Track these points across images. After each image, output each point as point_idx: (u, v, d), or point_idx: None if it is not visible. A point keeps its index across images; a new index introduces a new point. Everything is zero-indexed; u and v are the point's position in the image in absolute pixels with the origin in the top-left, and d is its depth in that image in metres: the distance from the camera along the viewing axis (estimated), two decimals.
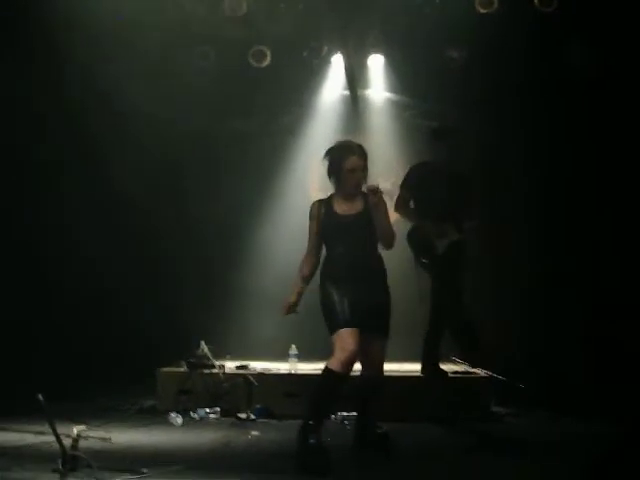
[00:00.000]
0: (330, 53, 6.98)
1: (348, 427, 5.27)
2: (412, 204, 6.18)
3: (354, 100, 7.30)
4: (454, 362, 6.43)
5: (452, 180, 6.04)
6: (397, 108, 7.34)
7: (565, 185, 6.78)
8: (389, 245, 4.67)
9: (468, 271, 6.13)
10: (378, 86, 7.27)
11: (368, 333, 4.43)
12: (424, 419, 5.51)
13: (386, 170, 7.49)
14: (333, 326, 4.46)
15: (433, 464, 4.37)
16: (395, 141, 7.41)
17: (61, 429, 3.91)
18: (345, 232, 4.62)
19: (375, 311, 4.52)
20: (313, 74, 7.13)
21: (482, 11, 6.03)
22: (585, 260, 6.75)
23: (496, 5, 5.98)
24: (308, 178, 7.49)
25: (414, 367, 6.15)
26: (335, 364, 4.35)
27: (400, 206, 6.12)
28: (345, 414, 5.52)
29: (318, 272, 4.68)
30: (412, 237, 6.11)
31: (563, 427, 5.39)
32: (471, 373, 6.08)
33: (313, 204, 4.76)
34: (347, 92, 7.24)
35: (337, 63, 7.10)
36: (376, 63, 7.08)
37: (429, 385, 5.79)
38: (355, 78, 7.18)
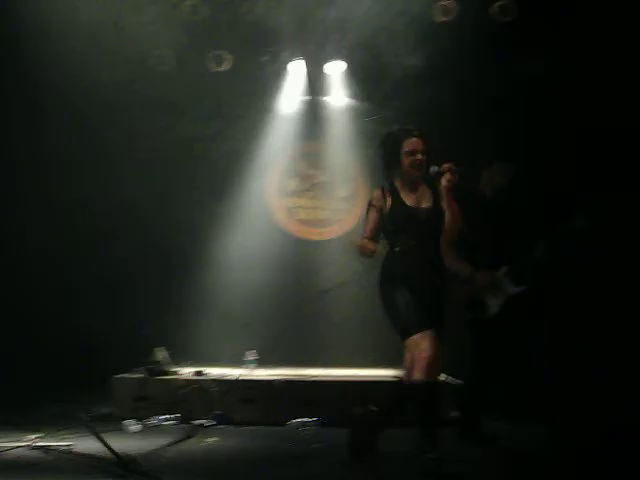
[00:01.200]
0: (290, 58, 6.96)
1: (304, 433, 5.29)
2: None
3: (313, 106, 7.32)
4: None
5: (503, 212, 5.06)
6: (357, 115, 7.36)
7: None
8: (454, 237, 4.38)
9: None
10: (338, 92, 7.27)
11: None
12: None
13: (345, 177, 7.54)
14: (403, 332, 4.20)
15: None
16: (354, 148, 7.42)
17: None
18: (417, 226, 4.30)
19: (439, 312, 4.27)
20: (272, 79, 7.12)
21: (441, 19, 6.07)
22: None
23: (455, 14, 6.03)
24: (266, 184, 7.49)
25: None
26: (418, 375, 4.08)
27: (450, 247, 4.67)
28: (301, 420, 5.53)
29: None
30: (459, 293, 5.07)
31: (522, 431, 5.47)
32: None
33: (376, 192, 4.42)
34: (306, 98, 7.25)
35: (297, 69, 7.11)
36: (336, 69, 7.09)
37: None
38: (315, 84, 7.20)
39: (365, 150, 7.33)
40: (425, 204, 4.39)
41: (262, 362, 6.38)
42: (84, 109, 6.74)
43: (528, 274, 4.98)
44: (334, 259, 7.17)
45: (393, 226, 4.36)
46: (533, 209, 5.32)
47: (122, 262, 6.96)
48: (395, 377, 5.75)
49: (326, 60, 6.98)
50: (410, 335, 4.17)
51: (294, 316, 6.97)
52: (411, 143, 4.37)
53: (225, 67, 6.81)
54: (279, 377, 5.88)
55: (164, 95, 6.81)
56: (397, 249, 4.34)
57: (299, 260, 7.26)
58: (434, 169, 4.36)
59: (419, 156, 4.36)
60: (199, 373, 6.04)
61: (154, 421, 5.57)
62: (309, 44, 6.76)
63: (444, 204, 4.35)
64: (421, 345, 4.12)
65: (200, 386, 5.77)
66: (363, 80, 7.09)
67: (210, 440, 5.12)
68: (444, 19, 6.05)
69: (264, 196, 7.47)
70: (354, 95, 7.27)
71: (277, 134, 7.33)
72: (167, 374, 5.94)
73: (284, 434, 5.31)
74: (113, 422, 5.49)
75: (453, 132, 6.67)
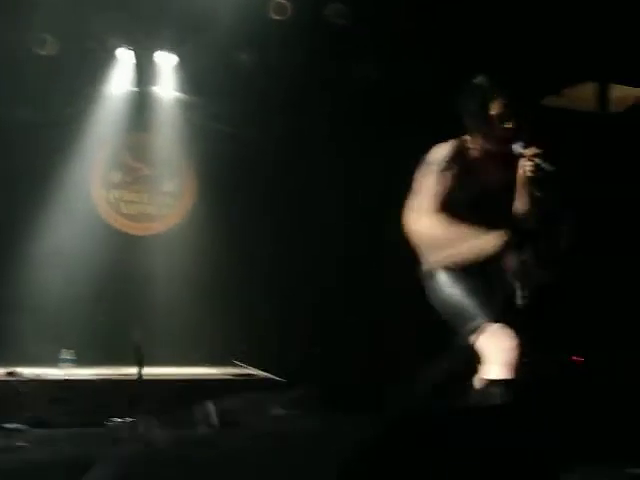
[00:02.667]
0: (118, 46, 6.71)
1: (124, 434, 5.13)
2: None
3: (140, 97, 7.10)
4: (235, 365, 6.46)
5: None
6: (185, 108, 7.22)
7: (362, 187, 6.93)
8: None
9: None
10: (167, 84, 7.10)
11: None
12: None
13: (172, 170, 7.39)
14: (470, 327, 3.35)
15: None
16: (182, 141, 7.29)
17: None
18: (487, 208, 3.36)
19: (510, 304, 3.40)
20: (99, 67, 6.83)
21: (275, 17, 6.08)
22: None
23: (289, 13, 6.05)
24: (89, 176, 7.17)
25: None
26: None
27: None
28: (121, 420, 5.34)
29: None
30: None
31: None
32: (250, 375, 6.11)
33: (443, 147, 3.42)
34: (134, 88, 7.02)
35: (125, 57, 6.86)
36: (166, 60, 6.92)
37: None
38: (142, 74, 6.98)
39: (193, 144, 7.23)
40: (503, 182, 3.49)
41: (80, 361, 6.12)
42: None
43: (553, 260, 4.01)
44: (159, 255, 7.02)
45: (460, 206, 3.38)
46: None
47: None
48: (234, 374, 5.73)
49: (156, 51, 6.80)
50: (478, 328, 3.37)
51: (115, 313, 6.76)
52: (500, 104, 3.42)
53: (49, 51, 6.45)
54: (98, 376, 5.67)
55: None
56: None
57: (122, 255, 7.02)
58: (518, 148, 3.43)
59: (509, 125, 3.43)
60: (11, 374, 5.70)
61: None
62: (138, 33, 6.55)
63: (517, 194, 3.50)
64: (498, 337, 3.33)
65: (10, 387, 5.45)
66: (193, 73, 6.97)
67: (19, 445, 4.84)
68: (279, 17, 6.05)
69: (87, 188, 7.16)
70: (184, 88, 7.13)
71: (102, 124, 7.03)
72: None
73: (102, 436, 5.11)
74: None
75: (283, 128, 6.74)
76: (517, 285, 3.90)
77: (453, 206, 3.37)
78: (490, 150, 3.49)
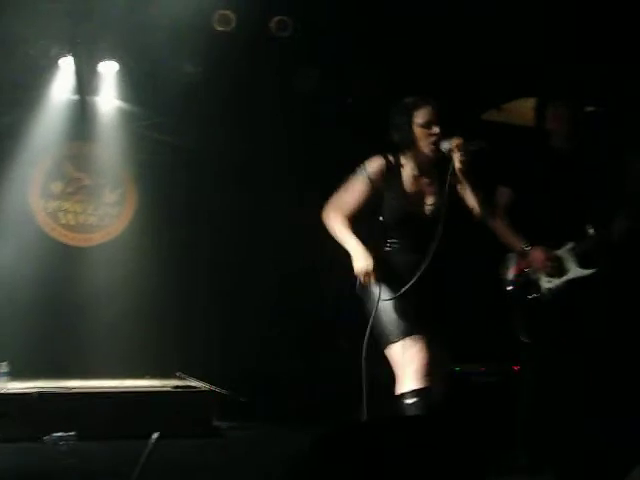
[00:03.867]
0: (60, 54, 6.62)
1: (63, 447, 5.03)
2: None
3: (82, 106, 7.01)
4: (177, 377, 6.40)
5: (581, 177, 4.05)
6: (127, 118, 7.16)
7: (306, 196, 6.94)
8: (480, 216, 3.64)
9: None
10: (109, 94, 7.02)
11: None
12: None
13: (114, 182, 7.31)
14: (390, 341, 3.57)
15: None
16: (123, 151, 7.21)
17: None
18: (415, 227, 3.62)
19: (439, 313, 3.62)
20: (40, 75, 6.73)
21: (219, 29, 6.07)
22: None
23: (233, 24, 6.06)
24: (29, 185, 7.05)
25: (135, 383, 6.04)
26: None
27: (495, 219, 4.07)
28: (58, 435, 5.24)
29: None
30: (507, 272, 4.31)
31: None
32: (193, 387, 6.07)
33: (379, 162, 3.63)
34: (76, 97, 6.93)
35: (67, 66, 6.77)
36: (108, 70, 6.85)
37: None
38: (84, 83, 6.90)
39: (135, 155, 7.17)
40: (431, 199, 3.68)
41: (16, 375, 5.99)
42: None
43: (601, 254, 4.02)
44: (100, 266, 6.93)
45: (385, 221, 3.65)
46: (615, 168, 4.23)
47: None
48: (175, 387, 5.68)
49: (99, 59, 6.73)
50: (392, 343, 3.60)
51: (54, 326, 6.65)
52: (426, 112, 3.61)
53: None
54: (35, 389, 5.55)
55: None
56: (387, 248, 3.68)
57: (62, 267, 6.91)
58: (445, 145, 3.59)
59: (435, 129, 3.60)
60: None
61: None
62: (80, 41, 6.46)
63: (461, 190, 3.65)
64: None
65: None
66: (136, 83, 6.91)
67: None
68: (222, 28, 6.05)
69: (26, 198, 7.03)
70: (126, 98, 7.07)
71: (42, 133, 6.91)
72: None
73: (39, 450, 5.01)
74: None
75: (228, 142, 6.74)
76: (542, 279, 4.11)
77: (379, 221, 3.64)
78: (423, 161, 3.68)
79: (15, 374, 5.96)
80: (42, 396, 5.46)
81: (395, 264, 3.67)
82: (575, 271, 4.06)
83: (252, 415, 6.14)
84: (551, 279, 4.10)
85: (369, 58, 6.36)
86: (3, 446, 5.06)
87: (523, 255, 4.20)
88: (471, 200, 3.69)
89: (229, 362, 6.67)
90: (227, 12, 6.05)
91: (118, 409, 5.43)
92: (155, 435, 3.22)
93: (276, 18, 6.10)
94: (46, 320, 6.62)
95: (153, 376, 6.40)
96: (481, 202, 3.67)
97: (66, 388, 5.75)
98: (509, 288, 4.27)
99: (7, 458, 4.81)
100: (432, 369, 3.55)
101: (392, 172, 3.67)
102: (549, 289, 4.11)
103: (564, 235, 4.12)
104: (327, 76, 6.59)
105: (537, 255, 4.13)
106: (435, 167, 3.72)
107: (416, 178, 3.71)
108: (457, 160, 3.55)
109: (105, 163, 7.26)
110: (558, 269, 4.07)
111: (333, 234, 3.72)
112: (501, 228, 4.21)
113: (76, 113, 7.01)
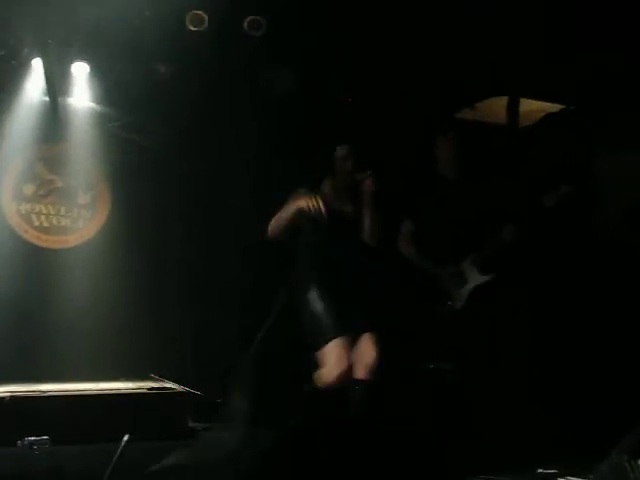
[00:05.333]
0: (31, 56, 6.56)
1: (37, 451, 4.99)
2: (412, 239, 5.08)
3: (54, 107, 6.95)
4: (152, 379, 6.38)
5: (469, 199, 4.88)
6: (100, 119, 7.12)
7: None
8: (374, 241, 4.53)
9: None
10: (81, 95, 6.97)
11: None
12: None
13: (86, 183, 7.27)
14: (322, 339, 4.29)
15: None
16: (96, 152, 7.17)
17: None
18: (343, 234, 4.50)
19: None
20: (10, 76, 6.67)
21: (192, 28, 6.05)
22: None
23: (206, 24, 6.04)
24: (1, 186, 6.99)
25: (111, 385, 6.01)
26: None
27: (404, 245, 5.01)
28: (33, 439, 5.20)
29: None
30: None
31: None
32: (168, 389, 6.04)
33: (305, 199, 4.47)
34: (47, 98, 6.87)
35: (38, 67, 6.71)
36: (80, 71, 6.80)
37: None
38: (55, 84, 6.83)
39: (108, 156, 7.13)
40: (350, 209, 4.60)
41: None
42: None
43: (496, 260, 4.82)
44: (74, 269, 6.89)
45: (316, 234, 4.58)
46: (496, 190, 5.12)
47: None
48: (150, 388, 5.69)
49: (70, 60, 6.68)
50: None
51: (27, 329, 6.60)
52: (342, 149, 4.67)
53: None
54: (7, 393, 5.50)
55: None
56: (323, 257, 4.56)
57: (35, 269, 6.86)
58: (356, 177, 4.54)
59: (348, 163, 4.61)
60: None
61: None
62: (52, 42, 6.41)
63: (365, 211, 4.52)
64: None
65: None
66: (108, 84, 6.87)
67: None
68: (195, 28, 6.03)
69: (1, 200, 6.97)
70: (98, 99, 7.03)
71: (14, 135, 6.86)
72: None
73: (13, 455, 4.97)
74: None
75: (198, 139, 6.73)
76: (454, 289, 4.85)
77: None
78: (342, 197, 4.59)
79: None
80: (14, 400, 5.41)
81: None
82: (477, 278, 4.77)
83: (228, 416, 6.12)
84: (458, 291, 4.78)
85: (343, 53, 6.36)
86: None
87: (433, 271, 4.92)
88: (365, 227, 4.59)
89: (203, 363, 6.66)
90: (200, 12, 6.04)
91: (92, 412, 5.39)
92: (126, 437, 3.22)
93: (249, 17, 6.09)
94: (19, 323, 6.56)
95: (128, 378, 6.36)
96: (371, 229, 4.55)
97: (39, 392, 5.70)
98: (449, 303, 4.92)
99: None
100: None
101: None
102: (464, 296, 4.80)
103: (462, 250, 4.84)
104: (301, 73, 6.59)
105: (441, 274, 4.90)
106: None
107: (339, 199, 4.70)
108: (365, 188, 4.46)
109: (77, 165, 7.21)
110: (461, 280, 4.78)
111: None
112: (411, 256, 4.98)
113: (48, 115, 6.95)
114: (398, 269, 5.03)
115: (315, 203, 4.39)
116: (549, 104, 6.87)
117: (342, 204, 4.67)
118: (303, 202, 4.46)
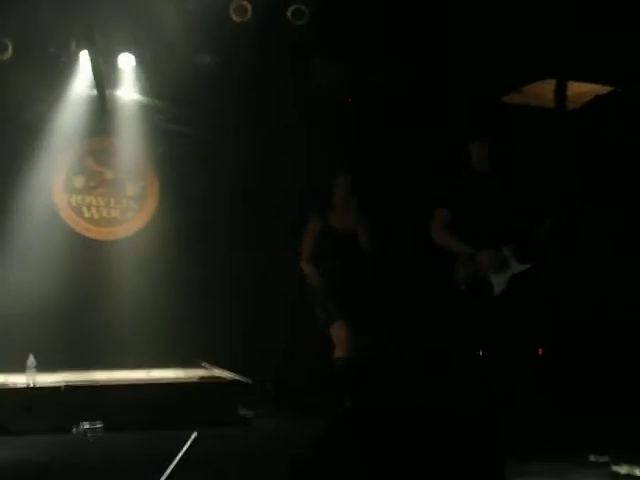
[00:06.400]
0: (79, 49, 6.64)
1: (91, 440, 5.09)
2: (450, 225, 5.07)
3: (102, 100, 7.03)
4: (203, 367, 6.44)
5: (508, 187, 4.99)
6: (147, 111, 7.19)
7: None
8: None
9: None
10: (128, 87, 7.05)
11: None
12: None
13: (135, 175, 7.35)
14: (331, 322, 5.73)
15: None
16: (144, 144, 7.24)
17: None
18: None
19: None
20: (60, 71, 6.76)
21: (236, 19, 6.06)
22: None
23: (250, 15, 6.05)
24: (52, 179, 7.11)
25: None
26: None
27: (438, 230, 5.05)
28: (85, 426, 5.30)
29: None
30: (460, 273, 5.01)
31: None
32: (218, 378, 6.11)
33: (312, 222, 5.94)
34: (96, 92, 6.96)
35: (87, 61, 6.79)
36: (126, 63, 6.86)
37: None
38: (103, 77, 6.90)
39: (155, 148, 7.20)
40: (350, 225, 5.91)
41: (42, 367, 6.05)
42: None
43: (534, 251, 4.91)
44: (124, 259, 6.98)
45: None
46: (535, 184, 5.23)
47: None
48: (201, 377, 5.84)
49: (117, 53, 6.74)
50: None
51: (80, 319, 6.71)
52: (339, 180, 5.97)
53: (9, 56, 6.36)
54: (62, 382, 5.62)
55: None
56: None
57: (86, 260, 6.97)
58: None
59: (344, 190, 5.92)
60: None
61: None
62: (100, 36, 6.48)
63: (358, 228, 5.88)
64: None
65: None
66: (155, 76, 6.93)
67: None
68: (239, 19, 6.05)
69: (50, 193, 7.10)
70: (145, 91, 7.09)
71: (64, 128, 6.96)
72: None
73: (67, 441, 5.08)
74: None
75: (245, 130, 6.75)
76: (493, 276, 4.92)
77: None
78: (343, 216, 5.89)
79: (40, 367, 6.02)
80: (69, 388, 5.52)
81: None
82: (516, 267, 4.88)
83: (278, 403, 6.17)
84: (499, 276, 4.87)
85: (390, 46, 6.32)
86: (33, 438, 5.14)
87: (471, 258, 4.96)
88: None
89: (253, 352, 6.70)
90: (244, 2, 6.05)
91: (144, 400, 5.47)
92: (194, 434, 3.27)
93: (293, 7, 6.07)
94: (71, 313, 6.68)
95: (179, 367, 6.43)
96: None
97: (93, 381, 5.82)
98: (463, 287, 5.03)
99: (37, 449, 4.87)
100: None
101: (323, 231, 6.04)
102: (503, 283, 4.89)
103: (497, 240, 4.92)
104: (344, 66, 6.57)
105: (485, 256, 4.91)
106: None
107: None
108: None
109: (126, 157, 7.30)
110: (504, 265, 4.87)
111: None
112: (446, 240, 5.05)
113: (97, 108, 7.04)
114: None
115: (317, 224, 5.90)
116: (598, 86, 6.76)
117: (344, 222, 5.92)
118: (311, 224, 5.95)
